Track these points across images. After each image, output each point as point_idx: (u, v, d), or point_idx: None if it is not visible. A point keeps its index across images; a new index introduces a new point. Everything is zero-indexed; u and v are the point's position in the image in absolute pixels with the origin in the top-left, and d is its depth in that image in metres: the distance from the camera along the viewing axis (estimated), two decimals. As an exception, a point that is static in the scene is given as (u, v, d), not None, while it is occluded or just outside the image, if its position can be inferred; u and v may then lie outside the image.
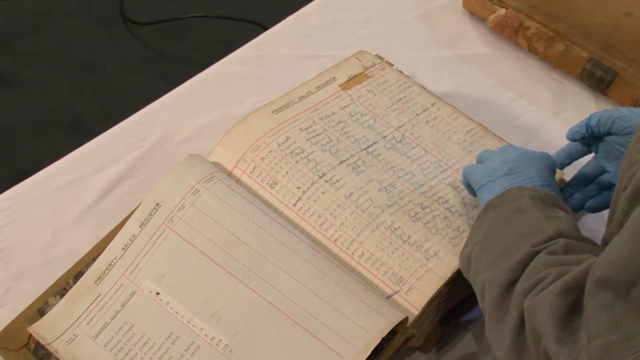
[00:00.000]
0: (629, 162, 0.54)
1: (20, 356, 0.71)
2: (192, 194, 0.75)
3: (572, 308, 0.49)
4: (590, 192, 0.76)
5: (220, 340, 0.69)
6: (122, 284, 0.73)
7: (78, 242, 0.80)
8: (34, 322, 0.72)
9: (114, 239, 0.75)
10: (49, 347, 0.70)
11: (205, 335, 0.69)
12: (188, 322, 0.70)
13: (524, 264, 0.56)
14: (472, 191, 0.73)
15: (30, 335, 0.71)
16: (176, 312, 0.71)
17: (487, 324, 0.59)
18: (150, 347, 0.70)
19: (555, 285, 0.51)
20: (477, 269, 0.63)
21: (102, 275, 0.74)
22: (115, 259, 0.74)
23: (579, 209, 0.77)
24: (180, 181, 0.77)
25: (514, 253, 0.58)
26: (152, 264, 0.73)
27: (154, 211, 0.75)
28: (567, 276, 0.51)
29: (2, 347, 0.71)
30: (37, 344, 0.71)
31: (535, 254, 0.57)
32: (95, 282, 0.73)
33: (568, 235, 0.58)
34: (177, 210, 0.75)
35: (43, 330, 0.71)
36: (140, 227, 0.75)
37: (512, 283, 0.56)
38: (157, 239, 0.74)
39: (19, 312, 0.73)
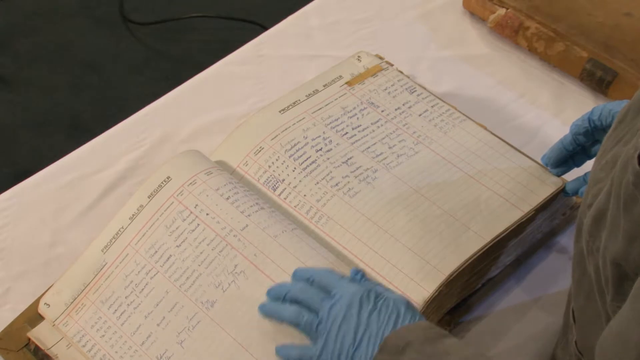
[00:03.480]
0: (594, 178, 0.54)
1: (20, 357, 0.71)
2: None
3: None
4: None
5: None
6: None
7: (78, 242, 0.80)
8: (35, 322, 0.72)
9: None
10: (48, 352, 0.70)
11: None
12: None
13: None
14: None
15: (31, 335, 0.72)
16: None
17: None
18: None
19: None
20: None
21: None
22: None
23: (575, 193, 0.78)
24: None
25: None
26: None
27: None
28: None
29: (2, 348, 0.71)
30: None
31: None
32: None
33: None
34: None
35: (43, 334, 0.71)
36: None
37: None
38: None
39: (19, 312, 0.73)
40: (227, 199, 0.73)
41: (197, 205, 0.73)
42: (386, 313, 0.61)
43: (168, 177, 0.75)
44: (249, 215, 0.73)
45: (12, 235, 0.82)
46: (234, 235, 0.72)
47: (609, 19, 0.98)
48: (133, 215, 0.75)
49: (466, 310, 0.76)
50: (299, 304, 0.65)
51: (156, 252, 0.72)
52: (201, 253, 0.71)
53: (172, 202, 0.74)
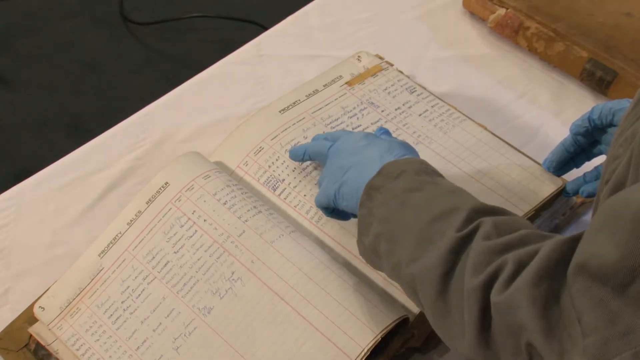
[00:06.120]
0: (612, 156, 0.54)
1: (20, 357, 0.71)
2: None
3: (548, 297, 0.48)
4: (589, 176, 0.76)
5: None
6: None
7: (78, 242, 0.80)
8: (34, 322, 0.72)
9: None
10: (49, 348, 0.70)
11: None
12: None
13: (455, 253, 0.54)
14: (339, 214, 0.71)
15: (31, 335, 0.71)
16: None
17: (430, 318, 0.58)
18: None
19: (525, 277, 0.49)
20: (396, 263, 0.60)
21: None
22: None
23: (575, 193, 0.78)
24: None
25: (439, 240, 0.55)
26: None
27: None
28: (533, 265, 0.49)
29: (2, 348, 0.71)
30: (38, 344, 0.71)
31: (464, 240, 0.54)
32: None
33: (482, 210, 0.57)
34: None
35: (43, 331, 0.71)
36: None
37: (447, 274, 0.54)
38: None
39: (19, 312, 0.73)
40: (225, 203, 0.74)
41: (194, 211, 0.74)
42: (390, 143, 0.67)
43: (166, 183, 0.76)
44: (245, 221, 0.73)
45: (12, 235, 0.82)
46: (231, 242, 0.72)
47: (609, 19, 0.98)
48: (131, 220, 0.75)
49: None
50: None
51: (154, 257, 0.72)
52: (199, 259, 0.71)
53: (170, 208, 0.74)
